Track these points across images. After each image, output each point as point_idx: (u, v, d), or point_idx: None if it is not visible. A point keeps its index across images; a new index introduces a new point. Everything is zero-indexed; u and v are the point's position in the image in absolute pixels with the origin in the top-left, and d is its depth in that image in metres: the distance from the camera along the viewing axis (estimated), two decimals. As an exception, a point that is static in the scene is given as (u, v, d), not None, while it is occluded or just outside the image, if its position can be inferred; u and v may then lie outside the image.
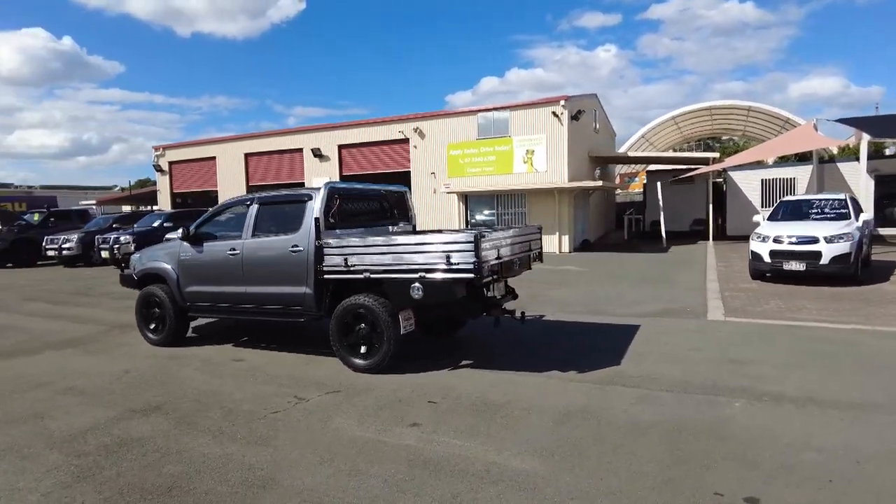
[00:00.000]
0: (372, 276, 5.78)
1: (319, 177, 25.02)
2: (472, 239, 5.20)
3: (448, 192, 21.65)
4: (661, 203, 21.60)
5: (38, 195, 39.34)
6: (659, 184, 21.85)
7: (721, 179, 24.82)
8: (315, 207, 6.15)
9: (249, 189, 27.32)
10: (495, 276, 5.67)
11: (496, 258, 5.61)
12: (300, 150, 25.59)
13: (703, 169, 20.60)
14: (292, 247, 6.32)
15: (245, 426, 4.67)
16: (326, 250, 6.02)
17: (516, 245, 6.27)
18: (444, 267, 5.39)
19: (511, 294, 6.79)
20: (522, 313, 6.61)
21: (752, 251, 11.27)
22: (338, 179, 24.49)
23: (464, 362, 6.27)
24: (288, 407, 5.09)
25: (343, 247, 5.93)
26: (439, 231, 7.15)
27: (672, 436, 4.17)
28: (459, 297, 5.69)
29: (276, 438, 4.41)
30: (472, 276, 5.25)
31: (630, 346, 6.74)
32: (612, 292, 10.91)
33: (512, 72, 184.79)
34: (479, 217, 21.65)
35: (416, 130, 22.54)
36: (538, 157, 20.30)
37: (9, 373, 6.53)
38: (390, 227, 7.30)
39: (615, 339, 7.10)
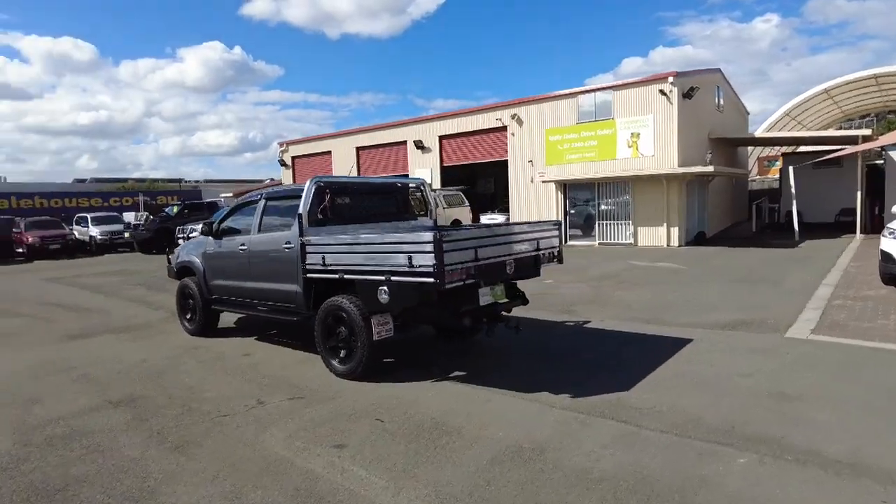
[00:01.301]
0: (345, 276, 5.37)
1: (421, 168, 25.20)
2: (431, 239, 4.55)
3: (544, 181, 20.54)
4: (793, 190, 18.55)
5: (187, 189, 44.43)
6: (791, 168, 18.76)
7: (881, 161, 20.69)
8: (301, 203, 5.87)
9: (360, 181, 28.38)
10: (473, 281, 4.94)
11: (472, 260, 4.88)
12: (404, 142, 25.93)
13: (851, 149, 17.24)
14: (286, 243, 6.12)
15: (185, 429, 4.53)
16: (308, 248, 5.72)
17: (514, 244, 5.45)
18: (406, 269, 4.81)
19: (518, 299, 5.98)
20: (517, 323, 5.79)
21: (881, 250, 9.06)
22: (437, 170, 24.47)
23: (455, 373, 5.64)
24: (241, 411, 4.88)
25: (320, 245, 5.58)
26: (440, 227, 6.53)
27: (620, 497, 3.25)
28: (431, 302, 5.09)
29: (200, 446, 4.20)
30: (431, 280, 4.62)
31: (662, 365, 5.61)
32: (690, 295, 9.40)
33: (657, 51, 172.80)
34: (577, 208, 20.29)
35: (513, 117, 21.67)
36: (644, 140, 18.44)
37: (54, 355, 7.14)
38: (398, 224, 6.82)
39: (650, 355, 5.98)
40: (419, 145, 25.06)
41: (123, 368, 6.38)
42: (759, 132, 26.73)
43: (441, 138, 24.54)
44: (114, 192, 38.29)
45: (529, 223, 5.73)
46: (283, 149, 32.87)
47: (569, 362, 5.91)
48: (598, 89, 19.59)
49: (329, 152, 29.84)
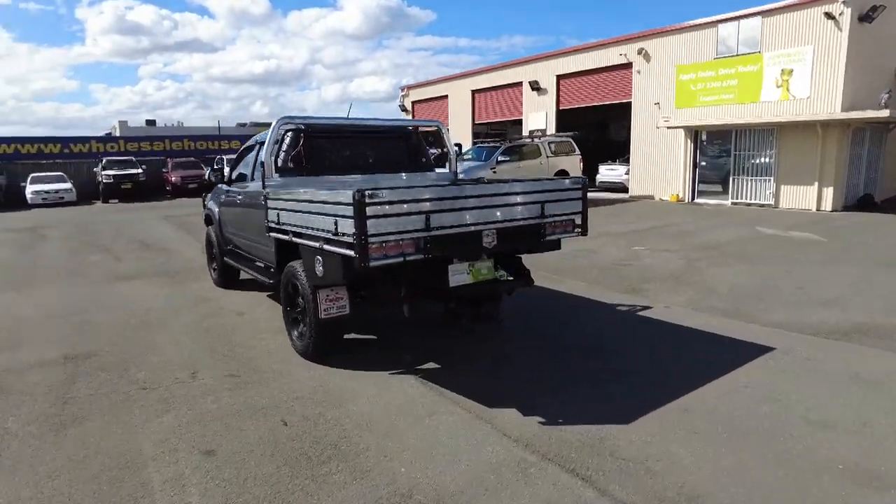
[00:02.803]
0: (294, 238, 4.45)
1: (536, 112, 23.28)
2: (352, 199, 3.42)
3: (670, 127, 17.72)
4: None
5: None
6: None
7: None
8: (264, 149, 5.00)
9: (475, 129, 27.15)
10: (425, 256, 3.73)
11: (423, 229, 3.66)
12: (520, 83, 24.01)
13: None
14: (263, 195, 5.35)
15: (91, 402, 4.05)
16: (269, 202, 4.87)
17: (496, 208, 4.07)
18: (332, 237, 3.75)
19: (519, 278, 4.65)
20: (498, 316, 4.43)
21: None
22: (553, 114, 22.37)
23: (427, 365, 4.56)
24: (165, 385, 4.30)
25: (276, 199, 4.69)
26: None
27: None
28: (378, 280, 4.01)
29: (80, 426, 3.68)
30: (350, 252, 3.52)
31: (703, 387, 4.02)
32: (809, 280, 7.16)
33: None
34: (709, 160, 17.29)
35: (640, 52, 18.79)
36: (798, 78, 14.88)
37: (85, 296, 7.26)
38: (403, 176, 5.69)
39: (698, 367, 4.37)
40: (535, 86, 23.02)
41: (122, 318, 6.21)
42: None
43: (558, 78, 22.26)
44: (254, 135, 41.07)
45: (525, 181, 4.28)
46: (404, 93, 32.45)
47: (582, 364, 4.52)
48: (744, 16, 16.05)
49: (446, 96, 28.80)
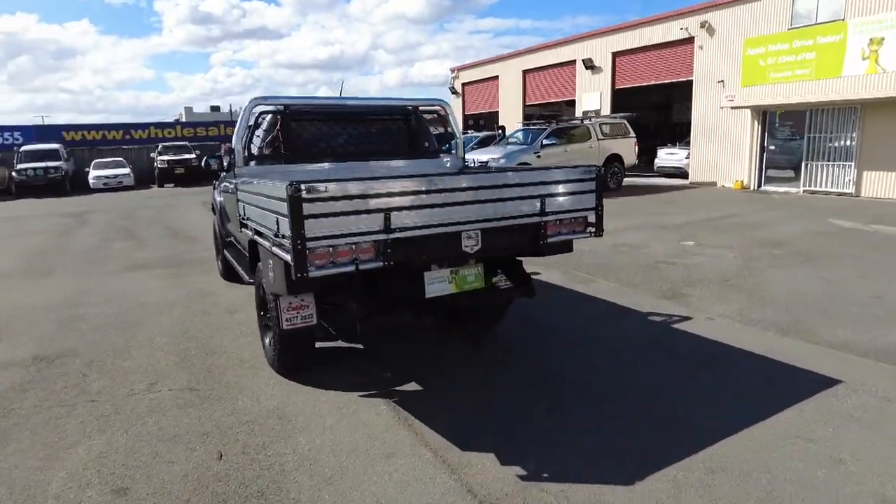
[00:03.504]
0: (254, 236, 3.89)
1: (589, 92, 21.98)
2: (286, 195, 2.80)
3: (734, 107, 16.14)
4: None
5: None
6: None
7: None
8: (235, 134, 4.45)
9: (525, 111, 26.05)
10: (382, 264, 3.06)
11: (381, 230, 3.00)
12: (573, 62, 22.72)
13: None
14: (244, 184, 4.83)
15: (37, 414, 3.67)
16: (239, 194, 4.32)
17: (480, 204, 3.33)
18: (275, 238, 3.15)
19: (518, 287, 3.91)
20: (476, 335, 3.65)
21: None
22: (608, 94, 21.01)
23: (405, 386, 3.93)
24: (118, 397, 3.88)
25: (242, 191, 4.14)
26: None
27: None
28: (337, 289, 3.40)
29: (5, 445, 3.28)
30: (288, 258, 2.91)
31: (738, 434, 3.18)
32: (890, 288, 5.99)
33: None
34: (778, 143, 15.64)
35: (703, 25, 17.18)
36: (890, 48, 13.06)
37: (89, 288, 7.07)
38: (399, 164, 5.01)
39: (739, 404, 3.53)
40: (588, 64, 21.69)
41: (112, 313, 5.91)
42: None
43: (614, 55, 20.85)
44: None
45: (517, 170, 3.53)
46: (454, 75, 31.63)
47: (588, 396, 3.76)
48: (827, -22, 14.25)
49: (496, 77, 27.78)
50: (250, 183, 3.86)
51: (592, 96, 22.00)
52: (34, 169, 22.55)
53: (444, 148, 5.34)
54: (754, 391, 3.69)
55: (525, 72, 25.69)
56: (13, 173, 22.65)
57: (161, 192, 22.71)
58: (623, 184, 17.11)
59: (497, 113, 27.82)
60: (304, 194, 2.77)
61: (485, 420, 3.42)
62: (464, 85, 30.78)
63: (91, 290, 6.89)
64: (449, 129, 5.21)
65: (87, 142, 28.28)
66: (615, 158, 16.72)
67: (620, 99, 21.28)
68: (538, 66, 24.79)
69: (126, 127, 29.63)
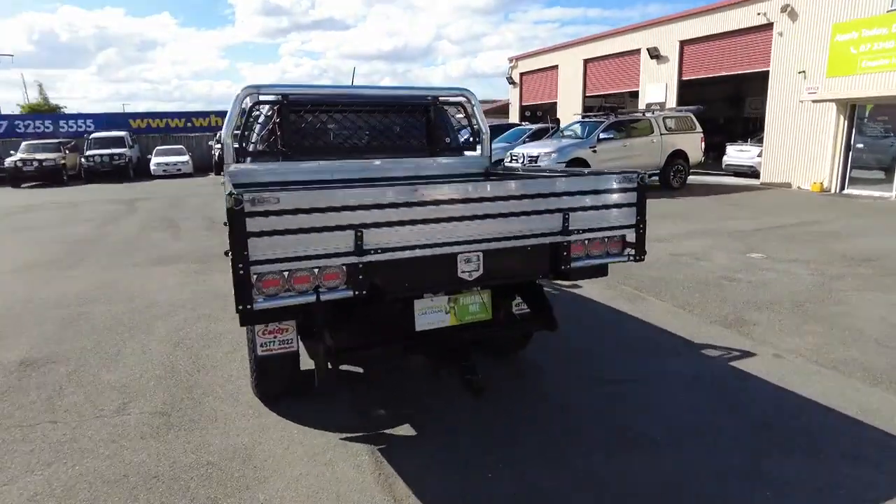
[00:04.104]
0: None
1: (654, 83, 20.62)
2: (233, 203, 2.24)
3: (815, 101, 14.54)
4: None
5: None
6: None
7: None
8: (224, 125, 3.96)
9: (585, 102, 24.84)
10: (362, 293, 2.47)
11: (350, 252, 2.40)
12: (637, 51, 21.35)
13: None
14: (241, 182, 4.36)
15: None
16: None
17: (477, 220, 2.66)
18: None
19: (538, 320, 3.23)
20: (474, 381, 2.93)
21: None
22: (674, 85, 19.61)
23: (400, 430, 3.34)
24: (85, 418, 3.51)
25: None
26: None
27: None
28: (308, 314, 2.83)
29: (-58, 480, 2.94)
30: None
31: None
32: None
33: None
34: (868, 141, 13.96)
35: (784, 10, 15.55)
36: None
37: (106, 282, 6.88)
38: (415, 162, 4.39)
39: (813, 498, 2.74)
40: (653, 53, 20.29)
41: (117, 314, 5.63)
42: None
43: (682, 44, 19.38)
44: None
45: (534, 177, 2.82)
46: (512, 65, 30.62)
47: (610, 465, 3.05)
48: (937, -47, 12.47)
49: (555, 67, 26.62)
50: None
51: (657, 88, 20.60)
52: (101, 155, 23.45)
53: (469, 142, 4.69)
54: (833, 469, 2.87)
55: (586, 61, 24.45)
56: (83, 159, 23.65)
57: (217, 179, 23.07)
58: (687, 182, 15.84)
59: (555, 104, 26.70)
60: (247, 206, 2.22)
61: (470, 489, 2.78)
62: (522, 74, 29.75)
63: (110, 285, 6.69)
64: (474, 124, 4.55)
65: (152, 129, 29.24)
66: (679, 155, 15.48)
67: (687, 91, 19.82)
68: (600, 55, 23.51)
69: (188, 115, 30.43)
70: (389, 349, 2.94)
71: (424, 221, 2.52)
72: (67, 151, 23.54)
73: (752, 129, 21.78)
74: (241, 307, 2.30)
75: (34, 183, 21.73)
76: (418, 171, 4.36)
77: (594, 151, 14.25)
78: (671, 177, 15.39)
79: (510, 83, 30.90)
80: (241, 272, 2.26)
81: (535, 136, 18.54)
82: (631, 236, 3.11)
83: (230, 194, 2.22)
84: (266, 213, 2.26)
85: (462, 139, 4.77)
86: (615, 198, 3.01)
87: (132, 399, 3.78)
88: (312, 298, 2.41)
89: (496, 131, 20.01)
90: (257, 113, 4.22)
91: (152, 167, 24.77)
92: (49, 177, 21.66)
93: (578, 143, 14.75)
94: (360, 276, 2.45)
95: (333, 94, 4.34)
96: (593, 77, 24.41)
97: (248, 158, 4.06)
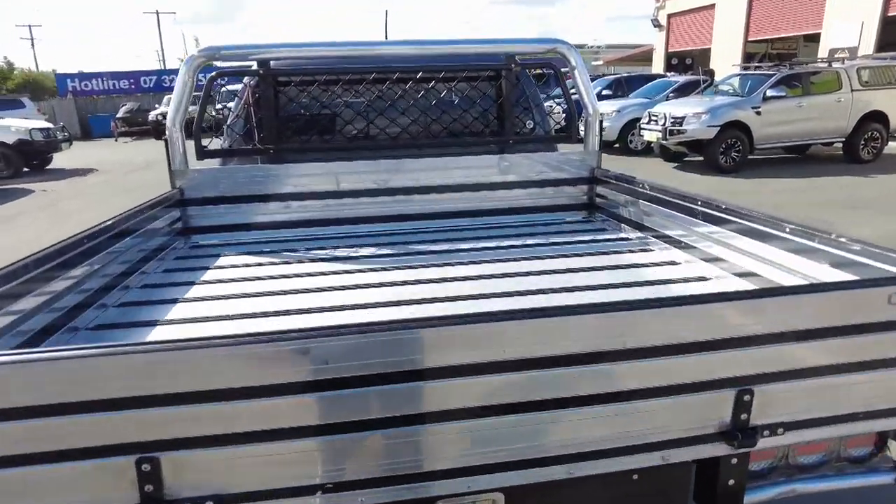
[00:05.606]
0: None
1: (844, 22, 16.41)
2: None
3: None
4: None
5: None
6: None
7: None
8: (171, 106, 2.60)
9: (747, 49, 20.78)
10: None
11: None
12: (824, -21, 17.05)
13: None
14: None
15: None
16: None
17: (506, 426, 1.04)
18: None
19: None
20: None
21: None
22: (875, 22, 15.39)
23: None
24: None
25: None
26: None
27: None
28: None
29: None
30: None
31: None
32: None
33: None
34: None
35: None
36: None
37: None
38: (478, 164, 2.77)
39: None
40: (848, -16, 16.01)
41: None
42: None
43: (892, -31, 14.98)
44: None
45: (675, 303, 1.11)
46: (659, 4, 26.70)
47: None
48: None
49: (712, 5, 22.55)
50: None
51: (848, 28, 16.29)
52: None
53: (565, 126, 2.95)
54: None
55: (753, -4, 20.27)
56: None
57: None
58: (883, 152, 12.27)
59: (708, 51, 22.76)
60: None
61: None
62: (669, 16, 25.84)
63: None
64: (573, 96, 2.77)
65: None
66: (875, 117, 11.90)
67: (893, 30, 15.39)
68: (773, -13, 19.28)
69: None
70: None
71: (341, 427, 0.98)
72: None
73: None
74: None
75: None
76: (480, 176, 2.73)
77: (758, 113, 11.33)
78: (861, 146, 11.97)
79: (655, 26, 27.02)
80: None
81: (683, 90, 15.53)
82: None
83: None
84: None
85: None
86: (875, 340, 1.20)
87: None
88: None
89: (635, 83, 17.25)
90: (221, 90, 2.82)
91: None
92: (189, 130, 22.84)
93: (737, 101, 11.84)
94: None
95: (342, 55, 2.74)
96: (759, 15, 20.20)
97: (210, 158, 2.70)
